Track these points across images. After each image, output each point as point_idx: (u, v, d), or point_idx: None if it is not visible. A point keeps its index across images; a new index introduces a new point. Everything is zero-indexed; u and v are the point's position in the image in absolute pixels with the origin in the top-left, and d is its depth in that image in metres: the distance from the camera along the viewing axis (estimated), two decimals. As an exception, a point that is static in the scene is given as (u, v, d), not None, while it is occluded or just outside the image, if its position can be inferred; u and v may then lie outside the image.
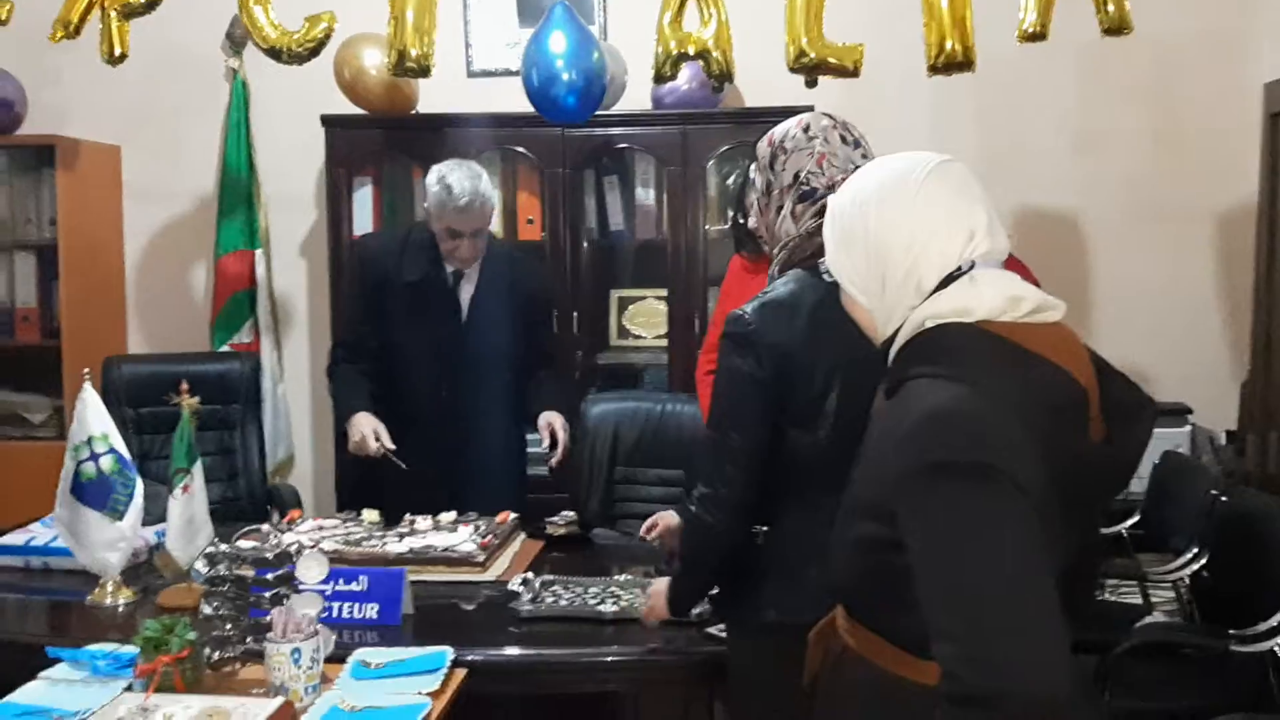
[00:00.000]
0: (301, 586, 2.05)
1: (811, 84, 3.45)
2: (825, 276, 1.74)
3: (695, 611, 2.21)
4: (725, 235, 3.91)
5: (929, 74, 3.33)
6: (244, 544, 2.32)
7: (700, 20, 3.15)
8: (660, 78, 3.27)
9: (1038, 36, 3.20)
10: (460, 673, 2.04)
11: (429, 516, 2.87)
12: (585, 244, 3.95)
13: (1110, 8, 3.01)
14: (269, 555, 2.02)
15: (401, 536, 2.74)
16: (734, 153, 3.86)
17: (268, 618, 2.00)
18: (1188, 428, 3.71)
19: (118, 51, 3.34)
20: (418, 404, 3.19)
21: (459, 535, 2.73)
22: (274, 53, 3.28)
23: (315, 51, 3.29)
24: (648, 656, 2.21)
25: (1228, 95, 3.81)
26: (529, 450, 3.47)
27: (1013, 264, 1.50)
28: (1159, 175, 3.98)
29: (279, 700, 1.83)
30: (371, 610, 2.30)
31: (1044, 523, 1.29)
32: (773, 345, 1.88)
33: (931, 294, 1.43)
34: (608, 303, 4.10)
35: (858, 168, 1.71)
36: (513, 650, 2.22)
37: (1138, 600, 3.43)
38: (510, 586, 2.43)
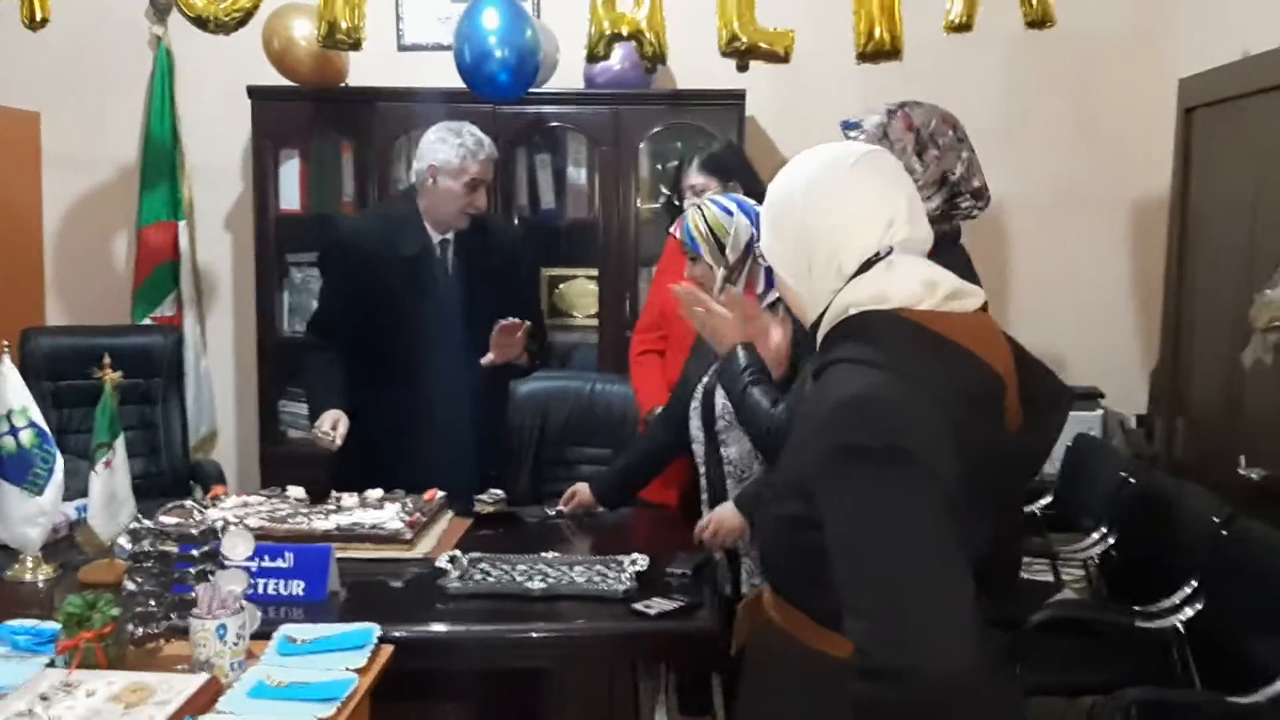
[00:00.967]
0: (227, 563, 2.04)
1: (743, 68, 3.48)
2: None
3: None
4: (659, 215, 3.95)
5: (857, 61, 3.39)
6: (168, 520, 2.31)
7: (634, 1, 3.17)
8: (593, 57, 3.28)
9: (964, 28, 3.27)
10: (387, 649, 2.04)
11: (355, 494, 2.86)
12: (516, 222, 3.95)
13: (1034, 1, 3.08)
14: (194, 532, 2.00)
15: (328, 513, 2.73)
16: (666, 134, 3.88)
17: (192, 594, 1.99)
18: (1099, 412, 3.83)
19: (39, 16, 3.25)
20: (409, 374, 3.17)
21: (386, 513, 2.73)
22: (200, 22, 3.23)
23: (243, 21, 3.24)
24: (575, 633, 2.23)
25: (1145, 90, 3.92)
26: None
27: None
28: (1077, 167, 4.09)
29: (204, 676, 1.83)
30: (297, 587, 2.29)
31: (956, 508, 1.34)
32: None
33: (851, 279, 1.47)
34: (538, 282, 4.10)
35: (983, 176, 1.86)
36: (440, 627, 2.23)
37: (1049, 578, 3.54)
38: (438, 564, 2.43)
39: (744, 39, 3.28)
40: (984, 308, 1.51)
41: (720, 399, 2.60)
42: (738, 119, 3.76)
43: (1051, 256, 4.16)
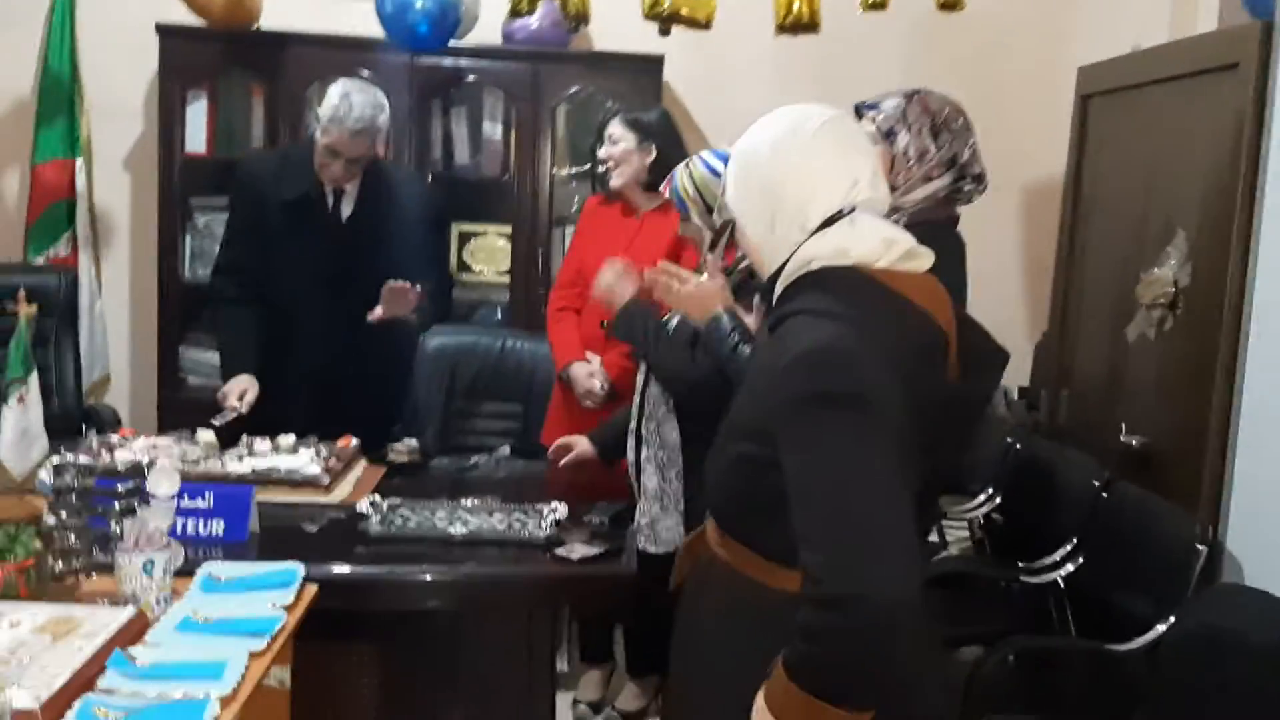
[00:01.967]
0: (152, 499, 2.03)
1: (665, 32, 3.53)
2: None
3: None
4: (577, 178, 3.97)
5: (776, 33, 3.47)
6: (80, 459, 2.28)
7: (558, -40, 3.20)
8: (516, 12, 3.31)
9: (878, 6, 3.38)
10: (311, 588, 2.05)
11: (267, 438, 2.85)
12: (430, 176, 3.93)
13: (948, -17, 3.21)
14: (120, 467, 1.99)
15: (241, 457, 2.72)
16: (583, 95, 3.91)
17: (113, 529, 1.98)
18: (986, 384, 4.00)
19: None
20: (297, 325, 3.17)
21: (301, 458, 2.73)
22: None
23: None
24: (498, 577, 2.28)
25: (1042, 76, 4.09)
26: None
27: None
28: (987, 142, 4.23)
29: (130, 610, 1.82)
30: (217, 527, 2.29)
31: (905, 450, 1.43)
32: None
33: (814, 233, 1.55)
34: (448, 236, 4.09)
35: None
36: (363, 568, 2.25)
37: (934, 539, 3.70)
38: (359, 508, 2.45)
39: (667, 4, 3.34)
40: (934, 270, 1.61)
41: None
42: (655, 84, 3.81)
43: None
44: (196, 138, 3.91)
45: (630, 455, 2.69)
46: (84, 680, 1.61)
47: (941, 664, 1.76)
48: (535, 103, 3.83)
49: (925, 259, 1.59)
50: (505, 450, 3.17)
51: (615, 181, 3.19)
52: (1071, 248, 3.56)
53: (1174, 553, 2.54)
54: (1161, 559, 2.58)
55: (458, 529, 2.38)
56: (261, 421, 2.97)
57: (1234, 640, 2.24)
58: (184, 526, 2.26)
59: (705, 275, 2.36)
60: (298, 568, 2.06)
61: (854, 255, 1.54)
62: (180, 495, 2.22)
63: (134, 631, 1.79)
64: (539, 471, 3.09)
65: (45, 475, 2.02)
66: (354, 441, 2.90)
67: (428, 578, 2.24)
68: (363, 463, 2.90)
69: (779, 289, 1.60)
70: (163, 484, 2.05)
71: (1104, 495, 2.91)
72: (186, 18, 3.78)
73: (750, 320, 2.25)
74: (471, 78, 3.86)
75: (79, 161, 4.06)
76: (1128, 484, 2.87)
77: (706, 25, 3.56)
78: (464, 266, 4.10)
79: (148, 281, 4.08)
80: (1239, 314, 2.61)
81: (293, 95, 3.83)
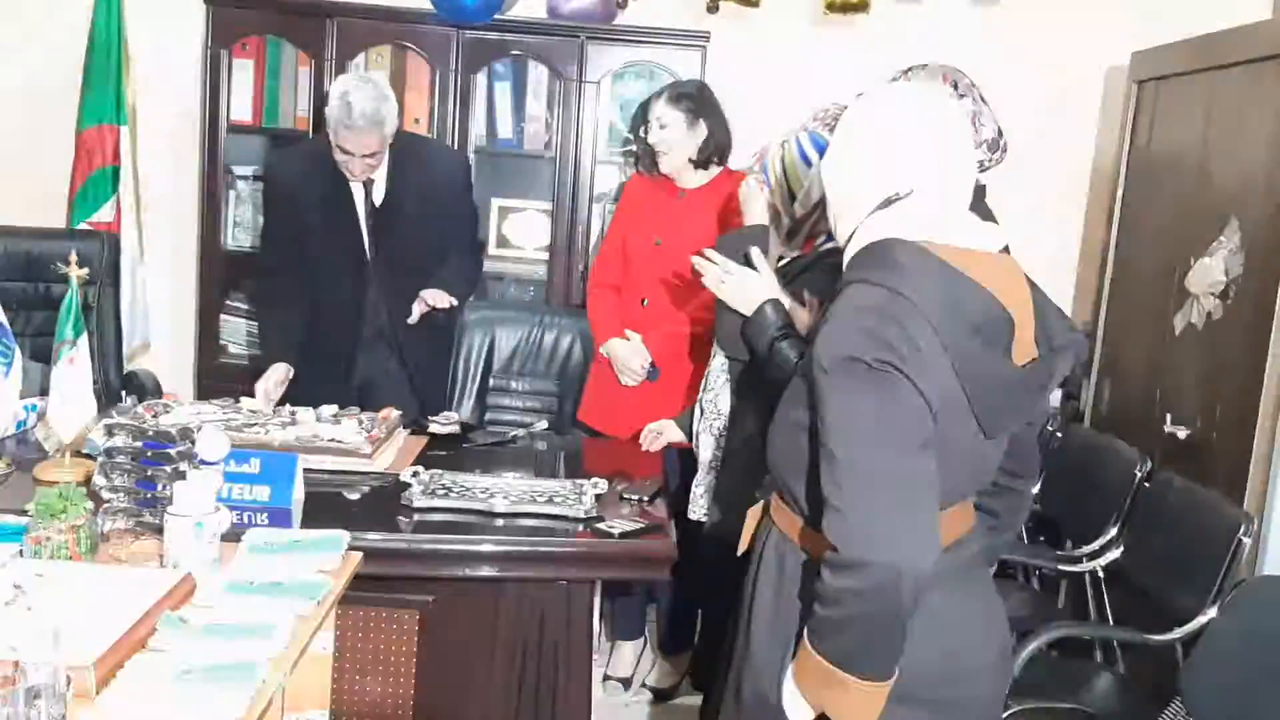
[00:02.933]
0: (201, 463, 2.04)
1: (713, 9, 3.52)
2: None
3: None
4: (625, 156, 3.95)
5: (825, 12, 3.45)
6: (124, 422, 2.30)
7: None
8: (565, -15, 3.28)
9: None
10: (356, 555, 2.07)
11: (310, 409, 2.86)
12: (472, 149, 3.93)
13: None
14: (171, 430, 2.00)
15: (284, 425, 2.74)
16: (628, 71, 3.89)
17: (163, 490, 1.99)
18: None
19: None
20: (339, 315, 3.21)
21: (344, 428, 2.74)
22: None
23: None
24: (539, 549, 2.29)
25: (1096, 60, 4.02)
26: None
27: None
28: (1022, 132, 4.16)
29: (180, 572, 1.84)
30: (263, 493, 2.30)
31: (954, 423, 1.43)
32: None
33: (878, 209, 1.55)
34: (489, 210, 4.09)
35: (1000, 129, 1.89)
36: (405, 536, 2.27)
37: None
38: (403, 477, 2.46)
39: (717, -21, 3.32)
40: (1006, 250, 1.61)
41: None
42: (701, 61, 3.79)
43: (1002, 216, 4.25)
44: (242, 106, 3.91)
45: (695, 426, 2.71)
46: (135, 640, 1.63)
47: (1004, 640, 1.75)
48: (579, 77, 3.81)
49: (995, 238, 1.58)
50: (543, 425, 3.17)
51: (665, 166, 3.17)
52: (1119, 236, 3.52)
53: (1217, 544, 2.51)
54: (1204, 550, 2.55)
55: (499, 501, 2.39)
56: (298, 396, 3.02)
57: (1276, 633, 2.21)
58: (231, 491, 2.27)
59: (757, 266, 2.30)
60: (343, 535, 2.08)
61: (919, 231, 1.54)
62: (227, 460, 2.26)
63: (184, 593, 1.81)
64: (577, 447, 3.11)
65: (96, 437, 2.04)
66: (395, 413, 2.91)
67: (469, 548, 2.26)
68: (404, 433, 2.91)
69: (846, 259, 1.62)
70: (212, 448, 2.08)
71: (1146, 485, 2.89)
72: (235, -14, 3.79)
73: (804, 316, 2.20)
74: (516, 51, 3.84)
75: (124, 128, 4.08)
76: (1171, 474, 2.84)
77: (754, 2, 3.54)
78: (503, 241, 4.10)
79: (189, 249, 4.10)
80: (1292, 304, 2.58)
81: (339, 65, 3.82)
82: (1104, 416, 3.49)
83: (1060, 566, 2.96)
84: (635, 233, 3.26)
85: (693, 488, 2.64)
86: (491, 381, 3.61)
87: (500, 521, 2.33)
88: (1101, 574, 2.90)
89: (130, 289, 4.10)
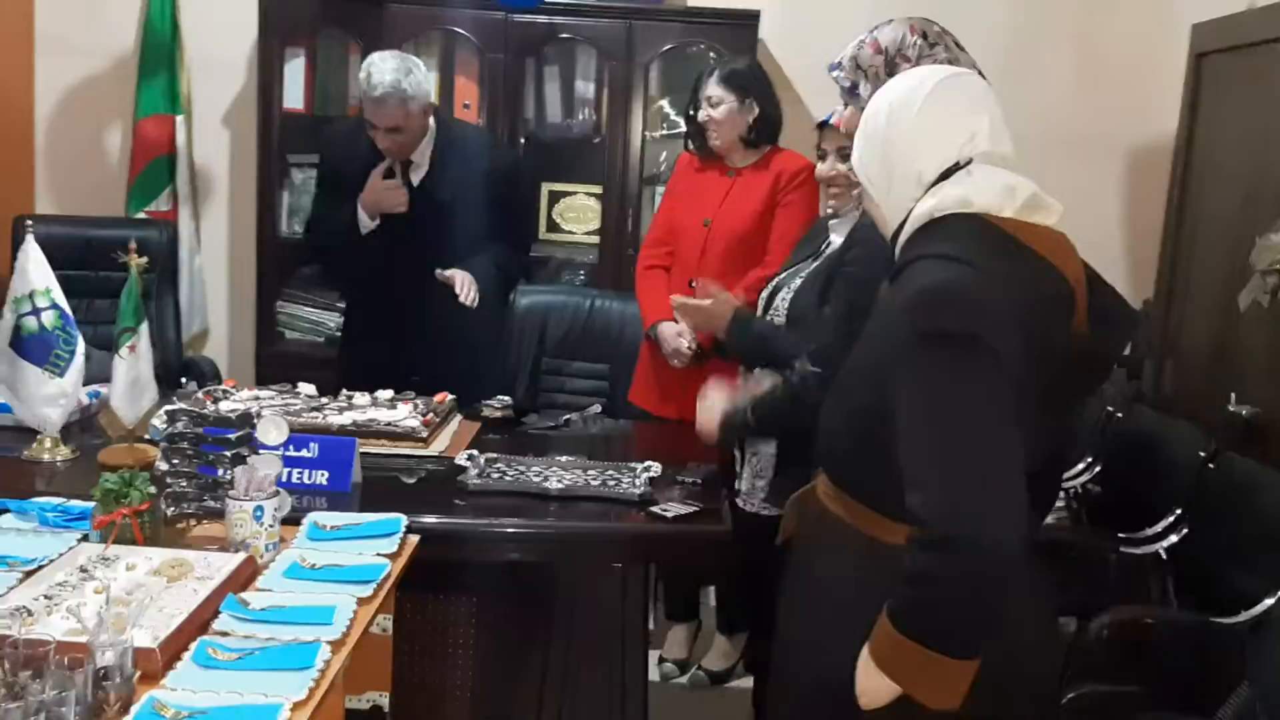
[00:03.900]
0: (261, 448, 2.07)
1: (757, -14, 3.48)
2: None
3: None
4: (668, 137, 3.94)
5: (878, -14, 3.38)
6: (184, 407, 2.33)
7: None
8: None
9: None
10: (413, 539, 2.09)
11: (366, 393, 2.89)
12: (521, 135, 3.93)
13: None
14: (231, 416, 2.02)
15: (341, 410, 2.76)
16: (677, 52, 3.87)
17: (224, 475, 2.02)
18: (1086, 349, 3.91)
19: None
20: (379, 295, 3.24)
21: (400, 412, 2.76)
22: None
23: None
24: (594, 531, 2.29)
25: (1148, 34, 3.94)
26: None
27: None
28: (1079, 107, 4.11)
29: (241, 555, 1.86)
30: (321, 476, 2.33)
31: (1024, 402, 1.41)
32: None
33: (932, 186, 1.53)
34: (539, 195, 4.10)
35: (980, 72, 1.82)
36: (461, 520, 2.28)
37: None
38: (458, 461, 2.47)
39: (767, -42, 3.28)
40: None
41: (779, 298, 2.64)
42: (751, 40, 3.76)
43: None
44: (295, 95, 3.95)
45: None
46: (199, 622, 1.65)
47: (1051, 619, 1.73)
48: (628, 60, 3.80)
49: (1052, 212, 1.57)
50: (596, 408, 3.17)
51: (716, 142, 3.15)
52: (1181, 212, 3.45)
53: (1284, 526, 2.46)
54: (1270, 532, 2.50)
55: (554, 484, 2.39)
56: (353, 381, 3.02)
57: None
58: (290, 475, 2.29)
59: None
60: (400, 518, 2.09)
61: (978, 204, 1.53)
62: (286, 445, 2.28)
63: (245, 576, 1.83)
64: (629, 430, 3.11)
65: (158, 422, 2.07)
66: (449, 397, 2.93)
67: (525, 531, 2.26)
68: (458, 417, 2.93)
69: (902, 241, 1.59)
70: (271, 433, 2.10)
71: (1210, 466, 2.83)
72: (286, -26, 3.81)
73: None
74: (565, 35, 3.84)
75: (179, 118, 4.14)
76: (1235, 455, 2.78)
77: (805, -20, 3.50)
78: (554, 226, 4.11)
79: (246, 237, 4.14)
80: (1361, 281, 2.51)
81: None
82: (1166, 396, 3.42)
83: (1122, 549, 2.91)
84: (684, 213, 3.24)
85: (747, 480, 2.63)
86: (544, 364, 3.62)
87: (554, 505, 2.34)
88: (1165, 556, 2.85)
89: (188, 277, 4.17)
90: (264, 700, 1.45)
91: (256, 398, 2.81)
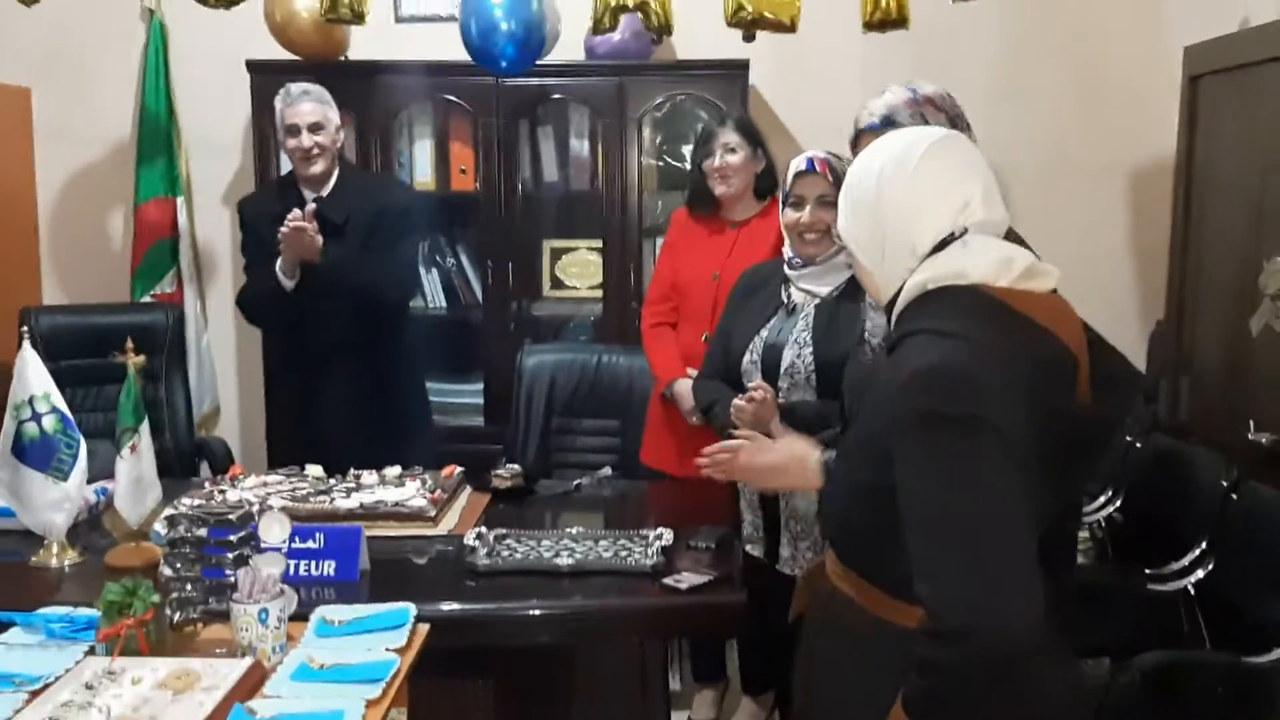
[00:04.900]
0: (264, 546, 2.05)
1: (749, 38, 3.47)
2: None
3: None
4: (665, 189, 3.94)
5: (864, 30, 3.39)
6: (190, 502, 2.33)
7: (639, -28, 3.16)
8: (599, 29, 3.27)
9: (970, -6, 3.28)
10: (424, 629, 2.05)
11: (374, 471, 2.87)
12: (519, 195, 3.93)
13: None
14: (232, 517, 2.01)
15: (349, 492, 2.74)
16: (668, 104, 3.87)
17: (228, 578, 2.00)
18: (1101, 377, 3.86)
19: (34, -9, 3.23)
20: (307, 352, 3.34)
21: (407, 490, 2.74)
22: (203, -1, 3.22)
23: (245, -4, 3.23)
24: (607, 609, 2.25)
25: (1145, 56, 3.92)
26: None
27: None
28: (1077, 132, 4.09)
29: (248, 661, 1.84)
30: (329, 567, 2.30)
31: (1028, 473, 1.37)
32: None
33: (927, 258, 1.50)
34: (541, 253, 4.09)
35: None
36: (472, 604, 2.24)
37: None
38: (466, 541, 2.44)
39: (750, 9, 3.27)
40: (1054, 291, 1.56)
41: (790, 356, 2.60)
42: (740, 89, 3.75)
43: (1048, 220, 4.13)
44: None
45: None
46: (207, 736, 1.63)
47: (1075, 692, 1.68)
48: (620, 116, 3.80)
49: (1048, 278, 1.53)
50: (607, 470, 3.15)
51: (726, 190, 3.14)
52: (1185, 232, 3.41)
53: (1313, 558, 2.40)
54: (1299, 564, 2.44)
55: (564, 559, 2.36)
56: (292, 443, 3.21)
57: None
58: (296, 568, 2.27)
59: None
60: (409, 608, 2.06)
61: (973, 276, 1.50)
62: (291, 538, 2.26)
63: (252, 683, 1.80)
64: (642, 491, 3.08)
65: (160, 527, 2.05)
66: (458, 470, 2.91)
67: (537, 612, 2.22)
68: (467, 490, 2.91)
69: (896, 312, 1.56)
70: (274, 530, 2.09)
71: (1233, 496, 2.78)
72: (277, 52, 3.84)
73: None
74: (557, 95, 3.84)
75: (180, 199, 4.16)
76: (1257, 484, 2.73)
77: (791, 28, 3.48)
78: (557, 283, 4.10)
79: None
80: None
81: (382, 123, 3.86)
82: (1183, 421, 3.37)
83: (1150, 586, 2.85)
84: (689, 268, 3.23)
85: (787, 545, 2.61)
86: (554, 423, 3.60)
87: (566, 581, 2.30)
88: (1192, 591, 2.79)
89: (196, 357, 4.19)
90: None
91: (264, 484, 2.80)
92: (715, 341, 2.88)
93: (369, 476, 2.84)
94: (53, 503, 2.38)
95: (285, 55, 3.84)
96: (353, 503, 2.65)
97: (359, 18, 3.29)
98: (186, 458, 3.89)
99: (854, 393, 2.35)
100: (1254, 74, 3.04)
